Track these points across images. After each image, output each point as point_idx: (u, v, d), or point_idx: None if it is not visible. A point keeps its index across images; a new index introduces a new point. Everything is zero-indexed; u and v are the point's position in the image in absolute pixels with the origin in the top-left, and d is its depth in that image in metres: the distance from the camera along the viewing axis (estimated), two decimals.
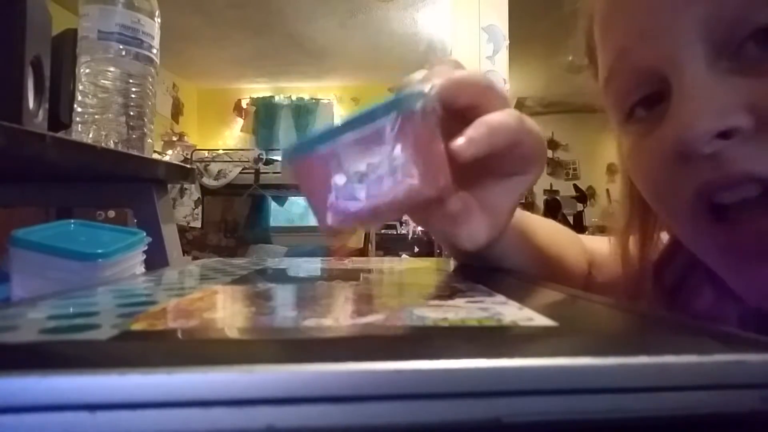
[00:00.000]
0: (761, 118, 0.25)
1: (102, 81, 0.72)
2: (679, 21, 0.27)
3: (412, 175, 0.23)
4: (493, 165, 0.29)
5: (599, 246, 0.49)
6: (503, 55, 2.99)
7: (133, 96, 0.74)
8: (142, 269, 0.60)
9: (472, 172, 0.27)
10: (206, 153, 4.27)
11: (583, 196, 6.76)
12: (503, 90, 0.29)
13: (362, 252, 4.16)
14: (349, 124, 0.24)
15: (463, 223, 0.29)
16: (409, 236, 3.75)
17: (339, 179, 0.24)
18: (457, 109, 0.27)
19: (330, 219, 0.25)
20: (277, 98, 5.19)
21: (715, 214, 0.28)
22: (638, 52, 0.29)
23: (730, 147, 0.26)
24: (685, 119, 0.26)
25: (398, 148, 0.23)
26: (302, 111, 5.16)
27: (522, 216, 0.40)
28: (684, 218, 0.30)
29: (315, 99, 5.16)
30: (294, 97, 5.17)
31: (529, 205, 6.86)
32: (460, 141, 0.25)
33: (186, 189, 3.90)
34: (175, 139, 4.28)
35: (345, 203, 0.24)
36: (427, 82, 0.26)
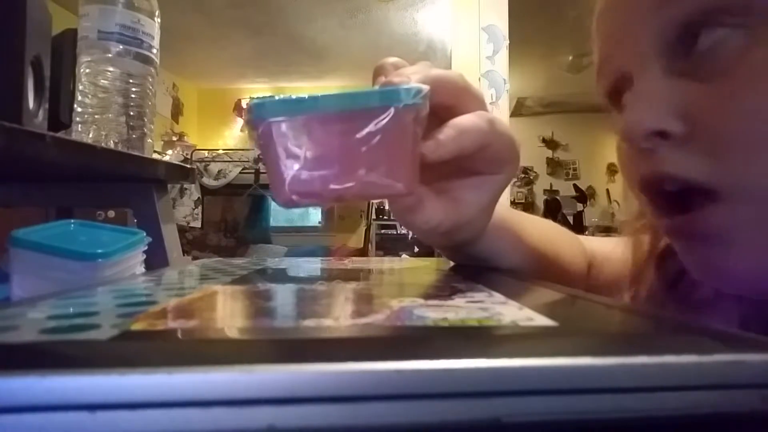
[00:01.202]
0: (690, 125, 0.27)
1: (102, 81, 0.72)
2: (644, 29, 0.29)
3: (386, 173, 0.23)
4: (462, 163, 0.29)
5: (600, 246, 0.49)
6: (503, 55, 2.99)
7: (133, 96, 0.74)
8: (142, 269, 0.60)
9: (442, 166, 0.27)
10: (206, 153, 4.27)
11: (583, 196, 6.76)
12: (479, 91, 0.30)
13: (362, 252, 4.16)
14: (335, 100, 0.23)
15: (417, 211, 0.29)
16: (409, 236, 3.75)
17: (309, 153, 0.23)
18: (432, 108, 0.27)
19: (288, 190, 0.23)
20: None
21: (664, 199, 0.30)
22: (616, 58, 0.32)
23: (664, 146, 0.28)
24: (629, 116, 0.29)
25: (379, 140, 0.22)
26: None
27: (518, 216, 0.41)
28: (644, 202, 0.32)
29: None
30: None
31: (529, 205, 6.86)
32: (428, 143, 0.26)
33: (186, 189, 3.90)
34: (175, 139, 4.28)
35: (309, 179, 0.23)
36: (415, 81, 0.25)
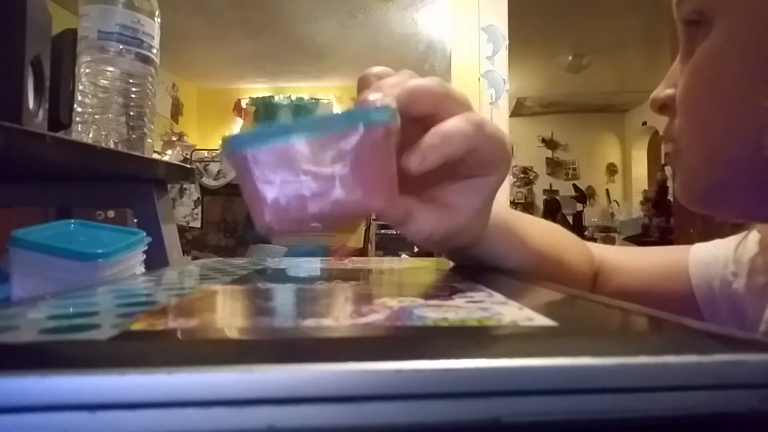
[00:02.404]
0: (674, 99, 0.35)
1: (102, 81, 0.72)
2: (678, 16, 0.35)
3: (362, 191, 0.23)
4: (452, 167, 0.29)
5: (612, 255, 0.48)
6: (503, 55, 2.99)
7: (133, 96, 0.74)
8: (142, 269, 0.60)
9: (431, 173, 0.27)
10: (206, 153, 4.27)
11: (583, 196, 6.76)
12: (461, 94, 0.29)
13: (362, 252, 4.16)
14: (307, 126, 0.23)
15: (407, 223, 0.29)
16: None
17: (284, 179, 0.23)
18: (415, 118, 0.27)
19: (267, 219, 0.24)
20: (276, 98, 5.19)
21: None
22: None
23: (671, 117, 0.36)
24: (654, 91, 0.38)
25: (352, 161, 0.23)
26: (302, 111, 5.16)
27: (520, 218, 0.40)
28: None
29: (315, 99, 5.16)
30: (294, 97, 5.17)
31: (528, 205, 6.87)
32: (412, 156, 0.26)
33: (185, 189, 3.90)
34: (174, 139, 4.28)
35: (286, 205, 0.23)
36: (390, 97, 0.26)
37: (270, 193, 0.23)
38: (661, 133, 0.39)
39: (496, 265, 0.36)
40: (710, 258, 0.44)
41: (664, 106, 0.37)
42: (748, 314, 0.40)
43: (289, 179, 0.23)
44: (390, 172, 0.25)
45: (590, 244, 0.49)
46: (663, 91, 0.37)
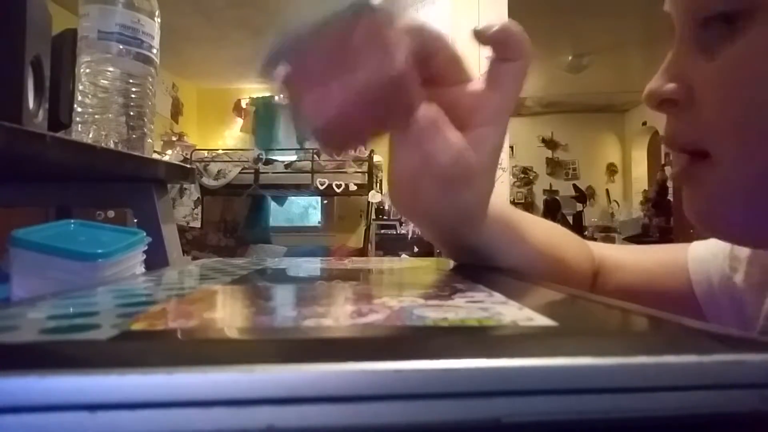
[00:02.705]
0: (690, 95, 0.32)
1: (102, 81, 0.72)
2: (684, 10, 0.33)
3: (372, 59, 0.25)
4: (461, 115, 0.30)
5: (612, 254, 0.48)
6: None
7: (133, 96, 0.74)
8: (142, 269, 0.60)
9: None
10: (206, 153, 4.27)
11: (583, 196, 6.77)
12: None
13: (362, 252, 4.16)
14: (315, 31, 0.26)
15: (432, 136, 0.28)
16: (409, 236, 3.75)
17: (318, 80, 0.26)
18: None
19: (317, 119, 0.26)
20: (276, 98, 5.18)
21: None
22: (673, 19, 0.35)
23: (671, 112, 0.34)
24: (649, 84, 0.34)
25: (357, 40, 0.25)
26: None
27: (521, 215, 0.40)
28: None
29: None
30: None
31: (528, 205, 6.87)
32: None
33: (185, 189, 3.90)
34: (174, 139, 4.28)
35: (328, 99, 0.25)
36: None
37: (310, 98, 0.26)
38: (661, 133, 0.37)
39: (496, 262, 0.36)
40: (709, 255, 0.44)
41: (666, 102, 0.33)
42: (746, 309, 0.40)
43: (320, 81, 0.26)
44: (391, 42, 0.26)
45: (590, 243, 0.49)
46: (664, 85, 0.33)
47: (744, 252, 0.42)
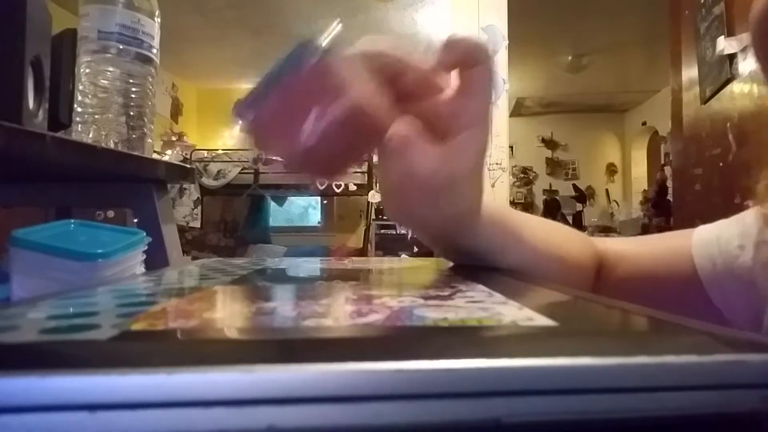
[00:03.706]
0: None
1: (102, 81, 0.72)
2: None
3: (327, 96, 0.26)
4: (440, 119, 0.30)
5: (614, 246, 0.48)
6: (502, 55, 2.98)
7: (133, 96, 0.74)
8: (142, 269, 0.60)
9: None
10: (205, 153, 4.27)
11: (583, 196, 6.77)
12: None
13: (362, 252, 4.16)
14: (272, 80, 0.27)
15: (403, 152, 0.28)
16: (409, 236, 3.75)
17: (283, 128, 0.27)
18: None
19: (292, 162, 0.27)
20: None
21: None
22: None
23: None
24: None
25: (311, 82, 0.26)
26: None
27: (518, 215, 0.40)
28: None
29: None
30: None
31: (528, 205, 6.87)
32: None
33: (185, 189, 3.90)
34: (174, 139, 4.28)
35: (295, 143, 0.26)
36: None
37: (290, 139, 0.27)
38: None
39: (494, 262, 0.36)
40: (712, 237, 0.43)
41: None
42: (757, 288, 0.40)
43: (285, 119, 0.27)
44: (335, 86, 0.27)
45: (595, 239, 0.49)
46: None
47: (753, 229, 0.41)
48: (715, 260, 0.42)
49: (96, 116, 0.72)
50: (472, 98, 0.30)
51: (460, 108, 0.30)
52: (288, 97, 0.27)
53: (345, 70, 0.27)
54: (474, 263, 0.36)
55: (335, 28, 0.27)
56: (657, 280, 0.45)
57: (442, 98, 0.31)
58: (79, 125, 0.72)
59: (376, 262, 0.47)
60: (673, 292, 0.44)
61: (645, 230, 5.37)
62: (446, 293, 0.22)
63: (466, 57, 0.30)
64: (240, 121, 0.27)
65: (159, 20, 0.77)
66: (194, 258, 2.56)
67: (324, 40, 0.27)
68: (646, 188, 6.22)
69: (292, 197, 4.93)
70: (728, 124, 1.54)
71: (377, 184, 4.00)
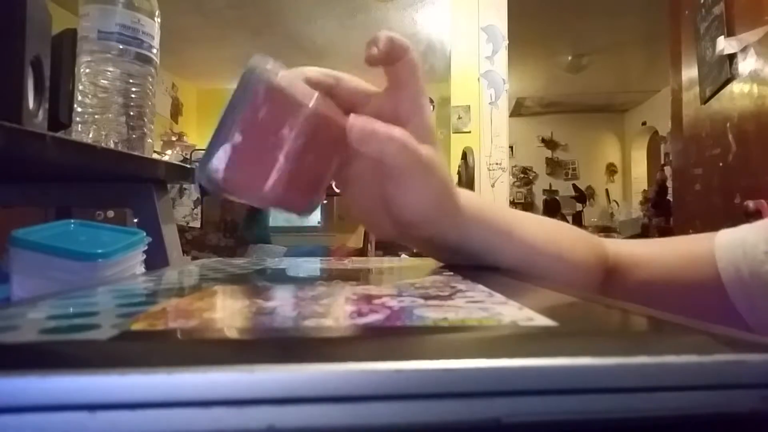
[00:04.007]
0: None
1: (102, 81, 0.72)
2: None
3: (284, 114, 0.28)
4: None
5: (629, 248, 0.47)
6: (502, 55, 2.99)
7: (133, 96, 0.74)
8: (142, 269, 0.60)
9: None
10: None
11: (582, 196, 6.77)
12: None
13: (361, 252, 4.16)
14: (229, 120, 0.28)
15: (371, 139, 0.30)
16: None
17: (252, 163, 0.27)
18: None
19: (270, 197, 0.27)
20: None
21: None
22: None
23: None
24: None
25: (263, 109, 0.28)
26: None
27: (513, 213, 0.40)
28: None
29: None
30: None
31: (528, 205, 6.87)
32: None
33: (185, 189, 3.90)
34: (174, 139, 4.28)
35: (270, 173, 0.27)
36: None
37: (257, 191, 0.27)
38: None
39: (483, 261, 0.35)
40: (737, 241, 0.42)
41: None
42: None
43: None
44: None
45: (606, 240, 0.48)
46: None
47: None
48: (739, 266, 0.41)
49: (96, 116, 0.72)
50: (407, 88, 0.33)
51: (400, 100, 0.33)
52: (249, 135, 0.27)
53: (291, 87, 0.28)
54: (464, 262, 0.35)
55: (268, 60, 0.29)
56: (677, 287, 0.44)
57: (381, 97, 0.34)
58: (79, 125, 0.72)
59: (376, 262, 0.47)
60: (695, 298, 0.43)
61: (645, 230, 5.36)
62: (446, 293, 0.22)
63: (387, 55, 0.32)
64: (208, 184, 0.27)
65: (159, 20, 0.77)
66: (194, 258, 2.56)
67: (266, 65, 0.28)
68: (646, 188, 6.22)
69: None
70: (728, 124, 1.54)
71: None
